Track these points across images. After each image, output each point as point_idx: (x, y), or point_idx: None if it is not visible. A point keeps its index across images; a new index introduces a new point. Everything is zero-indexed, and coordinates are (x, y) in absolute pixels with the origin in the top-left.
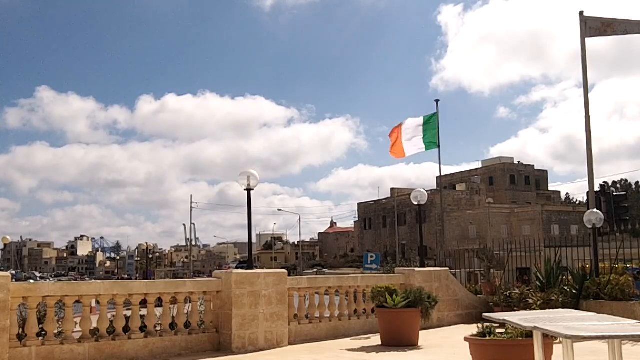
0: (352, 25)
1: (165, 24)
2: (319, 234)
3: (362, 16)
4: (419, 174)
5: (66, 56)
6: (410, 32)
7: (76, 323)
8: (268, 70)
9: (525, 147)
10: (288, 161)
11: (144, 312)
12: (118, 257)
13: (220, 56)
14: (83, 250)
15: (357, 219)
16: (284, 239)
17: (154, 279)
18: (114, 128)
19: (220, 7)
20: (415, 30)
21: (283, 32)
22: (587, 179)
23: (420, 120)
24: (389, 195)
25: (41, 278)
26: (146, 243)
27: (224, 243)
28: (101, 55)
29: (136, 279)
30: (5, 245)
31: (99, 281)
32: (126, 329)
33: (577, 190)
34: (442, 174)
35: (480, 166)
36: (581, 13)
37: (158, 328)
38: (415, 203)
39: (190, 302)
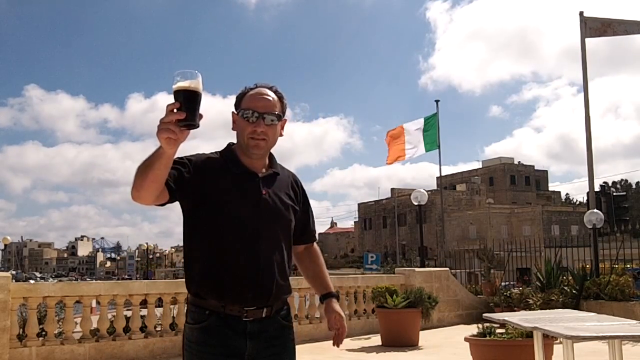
0: (338, 22)
1: (154, 22)
2: (319, 234)
3: (347, 12)
4: (415, 174)
5: (54, 54)
6: (398, 30)
7: (76, 323)
8: (259, 68)
9: (521, 147)
10: (283, 160)
11: (144, 312)
12: (118, 258)
13: (211, 54)
14: (83, 250)
15: (357, 219)
16: None
17: (154, 279)
18: (104, 127)
19: (207, 4)
20: (403, 27)
21: (268, 29)
22: (585, 178)
23: (421, 121)
24: (389, 196)
25: (41, 278)
26: (146, 243)
27: None
28: (90, 54)
29: (137, 279)
30: (5, 245)
31: (99, 281)
32: (126, 330)
33: (575, 190)
34: (441, 174)
35: (480, 166)
36: (581, 13)
37: (158, 328)
38: (416, 203)
39: None
